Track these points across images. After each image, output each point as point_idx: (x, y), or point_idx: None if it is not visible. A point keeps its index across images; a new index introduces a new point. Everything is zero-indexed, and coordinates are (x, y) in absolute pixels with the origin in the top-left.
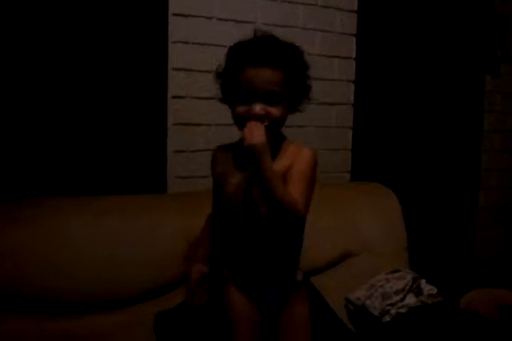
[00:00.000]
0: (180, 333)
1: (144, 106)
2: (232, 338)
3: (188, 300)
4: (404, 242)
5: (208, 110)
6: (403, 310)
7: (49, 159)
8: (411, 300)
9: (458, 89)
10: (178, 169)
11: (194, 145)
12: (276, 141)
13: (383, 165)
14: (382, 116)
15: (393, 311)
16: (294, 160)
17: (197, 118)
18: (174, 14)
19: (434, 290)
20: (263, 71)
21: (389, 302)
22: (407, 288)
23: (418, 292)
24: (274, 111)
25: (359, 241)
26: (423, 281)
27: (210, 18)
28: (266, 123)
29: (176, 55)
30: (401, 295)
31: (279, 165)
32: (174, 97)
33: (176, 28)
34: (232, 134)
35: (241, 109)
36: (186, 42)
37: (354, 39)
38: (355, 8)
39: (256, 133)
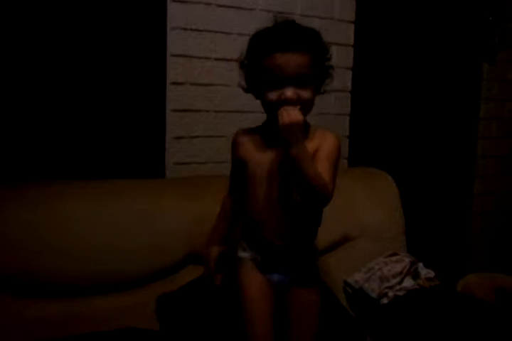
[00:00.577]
0: (182, 315)
1: (143, 92)
2: (245, 319)
3: (207, 281)
4: (402, 227)
5: (207, 96)
6: (401, 293)
7: (51, 144)
8: (409, 283)
9: (455, 77)
10: (177, 155)
11: (193, 131)
12: (304, 125)
13: (380, 151)
14: (379, 103)
15: (391, 294)
16: (320, 143)
17: (196, 105)
18: (173, 0)
19: (432, 274)
20: (293, 55)
21: (387, 285)
22: (405, 271)
23: (416, 275)
24: (305, 94)
25: (357, 225)
26: (421, 265)
27: (209, 4)
28: (299, 107)
29: (175, 42)
30: (399, 279)
31: (308, 147)
32: (173, 83)
33: (175, 15)
34: (232, 120)
35: (272, 94)
36: (185, 29)
37: (352, 26)
38: None
39: (293, 115)
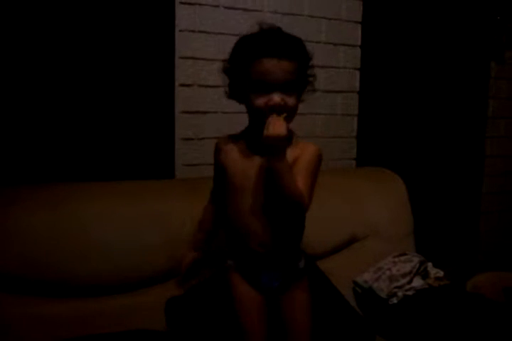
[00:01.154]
0: (192, 317)
1: (152, 94)
2: (240, 327)
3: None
4: (410, 226)
5: (214, 98)
6: (410, 293)
7: (63, 146)
8: (418, 282)
9: (463, 76)
10: (186, 157)
11: (201, 132)
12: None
13: (388, 152)
14: (387, 103)
15: (400, 293)
16: (300, 153)
17: (204, 106)
18: (181, 3)
19: (441, 273)
20: (281, 61)
21: (396, 284)
22: (414, 271)
23: (425, 275)
24: (290, 100)
25: (366, 225)
26: (430, 264)
27: (216, 6)
28: (284, 115)
29: (183, 44)
30: (408, 278)
31: (288, 156)
32: (181, 85)
33: (183, 17)
34: (239, 121)
35: (259, 100)
36: (193, 31)
37: (359, 27)
38: None
39: (278, 128)
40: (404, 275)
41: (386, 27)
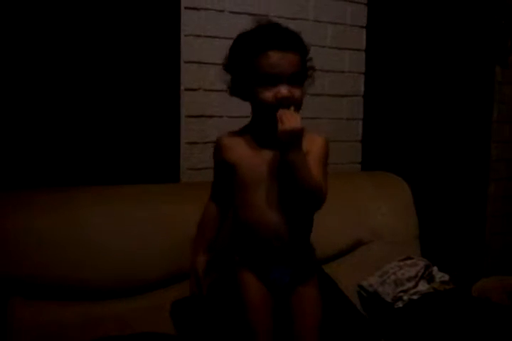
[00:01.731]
0: (197, 320)
1: (158, 98)
2: (246, 322)
3: (194, 291)
4: (416, 230)
5: (220, 102)
6: (415, 297)
7: (67, 150)
8: (423, 286)
9: (468, 80)
10: (191, 161)
11: (207, 136)
12: None
13: (393, 156)
14: (392, 107)
15: (405, 297)
16: (309, 146)
17: (209, 110)
18: (186, 8)
19: (446, 278)
20: (286, 54)
21: (401, 288)
22: (420, 275)
23: (430, 279)
24: (297, 92)
25: (371, 229)
26: (435, 268)
27: (221, 11)
28: (293, 108)
29: (189, 48)
30: (413, 282)
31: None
32: (187, 90)
33: (188, 22)
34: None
35: (266, 93)
36: (198, 36)
37: (364, 31)
38: (365, 0)
39: (293, 122)
40: (409, 279)
41: (391, 31)
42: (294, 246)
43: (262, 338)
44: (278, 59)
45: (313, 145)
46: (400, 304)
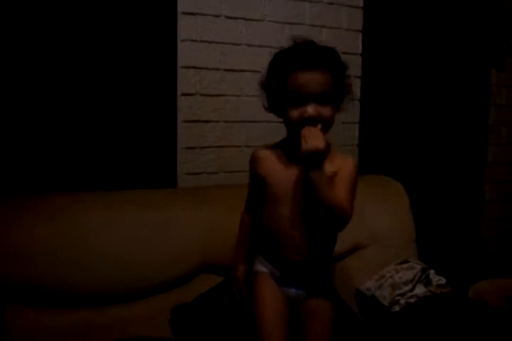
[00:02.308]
0: (196, 325)
1: (154, 103)
2: (260, 333)
3: (238, 298)
4: (412, 234)
5: (216, 107)
6: (412, 300)
7: (64, 155)
8: (420, 290)
9: (463, 83)
10: (188, 165)
11: (203, 141)
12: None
13: (390, 160)
14: (388, 111)
15: (403, 301)
16: (339, 167)
17: (206, 116)
18: (183, 13)
19: (443, 281)
20: (314, 73)
21: (398, 292)
22: (416, 278)
23: (427, 282)
24: (325, 111)
25: (368, 233)
26: (432, 272)
27: (218, 16)
28: (320, 127)
29: (185, 54)
30: (410, 286)
31: (326, 169)
32: (183, 95)
33: (185, 27)
34: (241, 130)
35: (294, 112)
36: (195, 41)
37: (360, 35)
38: (361, 4)
39: (316, 139)
40: (406, 283)
41: (386, 35)
42: (314, 262)
43: None
44: (305, 79)
45: (343, 166)
46: (397, 308)
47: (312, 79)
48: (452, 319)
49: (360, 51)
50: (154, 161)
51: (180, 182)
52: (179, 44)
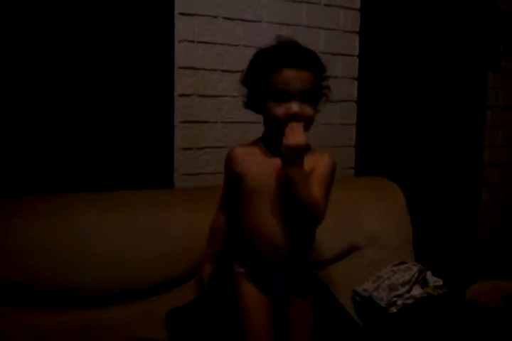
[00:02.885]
0: (191, 329)
1: (152, 104)
2: (246, 332)
3: (197, 298)
4: (409, 235)
5: (213, 108)
6: (409, 301)
7: (60, 155)
8: (417, 291)
9: (460, 85)
10: (185, 166)
11: (201, 142)
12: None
13: (387, 161)
14: (385, 112)
15: (400, 302)
16: (316, 164)
17: (203, 116)
18: (180, 13)
19: (440, 282)
20: (300, 71)
21: (395, 293)
22: (413, 279)
23: (424, 283)
24: (308, 110)
25: (364, 234)
26: (429, 273)
27: (215, 17)
28: (303, 124)
29: (182, 54)
30: (407, 287)
31: (304, 166)
32: (181, 95)
33: (182, 27)
34: (239, 131)
35: (278, 109)
36: (192, 41)
37: (357, 37)
38: (358, 6)
39: (298, 135)
40: (403, 284)
41: (384, 37)
42: (292, 260)
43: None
44: (292, 76)
45: (319, 163)
46: (394, 309)
47: (299, 76)
48: (449, 320)
49: (357, 53)
50: (151, 162)
51: (178, 182)
52: (176, 45)
